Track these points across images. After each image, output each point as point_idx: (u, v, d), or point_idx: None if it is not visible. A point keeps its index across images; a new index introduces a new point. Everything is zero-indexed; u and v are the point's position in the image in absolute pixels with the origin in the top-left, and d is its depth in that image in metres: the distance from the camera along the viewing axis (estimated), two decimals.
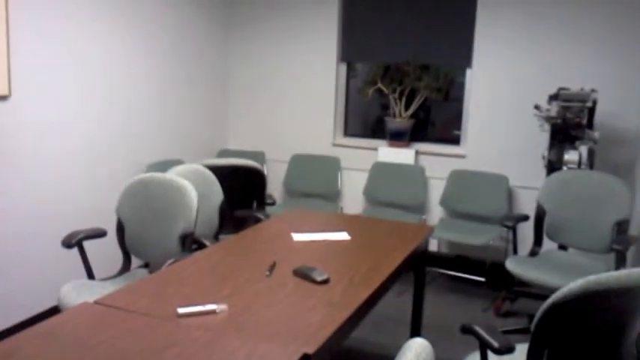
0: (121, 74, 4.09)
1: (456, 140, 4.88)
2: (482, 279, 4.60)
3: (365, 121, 5.39)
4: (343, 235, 2.94)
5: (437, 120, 5.09)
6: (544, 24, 4.35)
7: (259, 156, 5.35)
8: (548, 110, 3.93)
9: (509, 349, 1.86)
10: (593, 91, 3.83)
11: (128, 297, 2.04)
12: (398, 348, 3.48)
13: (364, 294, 2.16)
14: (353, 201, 5.13)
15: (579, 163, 3.77)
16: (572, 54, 4.30)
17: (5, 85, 3.22)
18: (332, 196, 5.14)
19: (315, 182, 5.13)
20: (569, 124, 3.83)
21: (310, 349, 1.70)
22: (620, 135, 4.22)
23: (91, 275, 3.01)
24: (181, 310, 1.90)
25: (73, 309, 1.92)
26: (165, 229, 2.95)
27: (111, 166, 4.06)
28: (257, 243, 2.77)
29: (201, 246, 2.98)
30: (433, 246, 4.89)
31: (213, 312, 1.92)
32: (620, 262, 3.20)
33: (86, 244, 3.01)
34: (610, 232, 3.46)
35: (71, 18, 3.62)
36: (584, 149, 3.79)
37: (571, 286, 1.76)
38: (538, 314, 1.85)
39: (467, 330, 2.00)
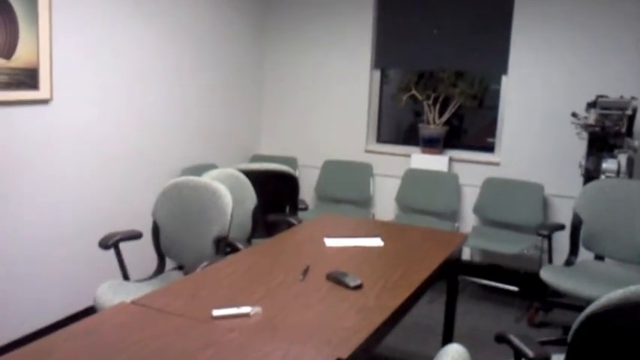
0: (159, 80, 4.16)
1: (489, 148, 4.83)
2: (516, 288, 4.54)
3: (398, 127, 5.37)
4: (376, 241, 2.93)
5: (470, 127, 5.05)
6: (580, 31, 4.29)
7: (292, 161, 5.37)
8: (586, 118, 3.87)
9: (545, 359, 1.84)
10: (633, 98, 3.76)
11: (164, 298, 2.07)
12: (429, 356, 3.47)
13: (397, 300, 2.15)
14: (385, 207, 5.12)
15: (618, 172, 3.70)
16: (609, 62, 4.23)
17: (47, 89, 3.30)
18: (364, 202, 5.13)
19: (347, 188, 5.13)
20: (607, 132, 3.76)
21: (344, 354, 1.70)
22: None
23: (126, 276, 3.06)
24: (216, 312, 1.92)
25: (110, 309, 1.96)
26: (199, 233, 2.98)
27: (147, 170, 4.13)
28: (290, 247, 2.79)
29: (234, 249, 3.01)
30: (466, 254, 4.84)
31: (247, 315, 1.93)
32: None
33: (122, 245, 3.06)
34: None
35: (114, 23, 3.70)
36: (623, 158, 3.72)
37: (610, 296, 1.73)
38: (575, 325, 1.82)
39: (501, 339, 1.98)
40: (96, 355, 1.64)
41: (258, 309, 1.97)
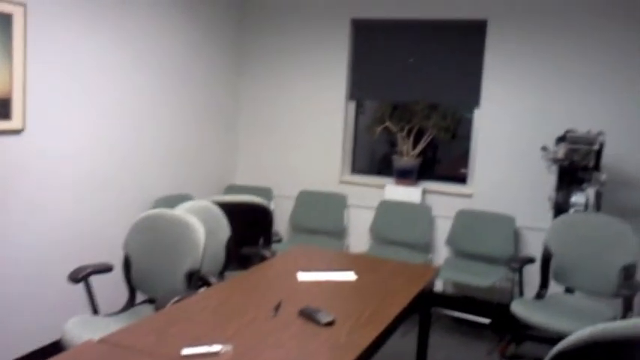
0: (132, 109, 4.15)
1: (462, 179, 4.90)
2: (488, 320, 4.56)
3: (372, 157, 5.42)
4: (349, 275, 2.94)
5: (444, 157, 5.11)
6: (551, 67, 4.40)
7: (266, 191, 5.37)
8: (555, 152, 3.95)
9: None
10: (599, 133, 3.85)
11: (133, 335, 2.04)
12: None
13: (369, 337, 2.15)
14: (359, 238, 5.13)
15: (586, 206, 3.77)
16: (578, 97, 4.34)
17: (20, 119, 3.27)
18: (338, 233, 5.14)
19: (321, 219, 5.14)
20: (576, 167, 3.84)
21: None
22: (628, 177, 4.22)
23: (96, 310, 3.01)
24: (185, 351, 1.90)
25: (76, 348, 1.92)
26: (171, 266, 2.96)
27: (120, 201, 4.09)
28: (263, 281, 2.77)
29: (206, 283, 2.98)
30: (439, 286, 4.86)
31: (216, 354, 1.91)
32: (628, 308, 3.17)
33: (93, 277, 3.02)
34: (617, 277, 3.44)
35: (88, 54, 3.69)
36: (591, 192, 3.80)
37: (579, 334, 1.75)
38: None
39: None
40: None
41: (228, 347, 1.95)
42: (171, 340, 2.01)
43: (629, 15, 4.17)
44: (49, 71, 3.45)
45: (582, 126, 4.33)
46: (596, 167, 3.86)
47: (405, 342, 4.13)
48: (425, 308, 3.23)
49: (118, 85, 4.00)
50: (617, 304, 3.37)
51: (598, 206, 3.82)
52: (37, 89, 3.39)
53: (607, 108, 4.27)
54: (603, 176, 3.81)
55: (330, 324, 2.25)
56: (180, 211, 3.17)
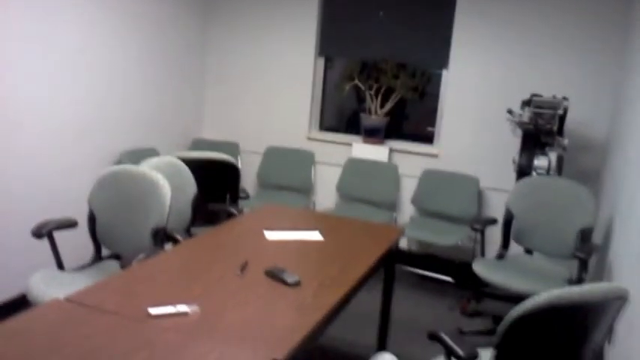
0: (96, 61, 4.04)
1: (429, 139, 4.94)
2: (450, 278, 4.69)
3: (341, 114, 5.41)
4: (316, 235, 2.97)
5: (413, 114, 5.13)
6: (519, 31, 4.41)
7: (234, 147, 5.34)
8: (520, 115, 4.00)
9: (474, 358, 1.92)
10: (564, 99, 3.91)
11: (99, 294, 2.04)
12: (367, 345, 3.55)
13: (334, 297, 2.19)
14: (326, 196, 5.16)
15: (548, 170, 3.86)
16: (545, 61, 4.38)
17: None
18: (305, 190, 5.16)
19: (288, 175, 5.15)
20: (540, 131, 3.90)
21: (279, 355, 1.73)
22: (588, 143, 4.32)
23: (61, 265, 2.99)
24: (153, 311, 1.91)
25: (43, 307, 1.92)
26: (137, 223, 2.94)
27: (84, 153, 4.02)
28: (229, 240, 2.79)
29: (173, 240, 2.98)
30: (403, 243, 4.96)
31: (184, 313, 1.93)
32: (583, 269, 3.29)
33: (57, 232, 2.99)
34: (574, 239, 3.56)
35: (50, 7, 3.56)
36: (553, 156, 3.87)
37: (535, 299, 1.82)
38: (502, 327, 1.90)
39: (433, 337, 2.05)
40: (25, 356, 1.61)
41: (195, 307, 1.97)
42: (138, 299, 2.02)
43: None
44: (13, 24, 3.32)
45: (548, 91, 4.38)
46: (560, 132, 3.93)
47: (370, 297, 4.22)
48: (389, 265, 3.30)
49: (79, 37, 3.88)
50: (574, 265, 3.49)
51: (559, 170, 3.91)
52: (5, 36, 3.27)
53: (572, 74, 4.32)
54: (566, 141, 3.88)
55: (296, 284, 2.28)
56: (146, 167, 3.14)
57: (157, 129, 4.83)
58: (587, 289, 1.80)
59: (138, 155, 4.36)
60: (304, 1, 5.04)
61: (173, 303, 2.00)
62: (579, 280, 3.32)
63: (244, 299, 2.11)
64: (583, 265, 3.29)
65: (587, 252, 3.26)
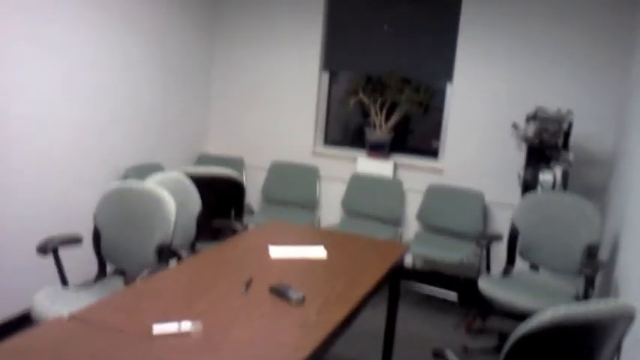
0: (102, 76, 4.07)
1: (434, 153, 4.94)
2: (455, 295, 4.66)
3: (346, 128, 5.42)
4: (320, 251, 2.96)
5: (417, 128, 5.13)
6: (524, 45, 4.42)
7: (239, 162, 5.35)
8: (525, 130, 4.00)
9: None
10: (569, 113, 3.91)
11: (103, 311, 2.04)
12: None
13: (339, 315, 2.18)
14: (331, 211, 5.16)
15: (554, 184, 3.85)
16: (549, 75, 4.38)
17: None
18: (310, 205, 5.16)
19: (293, 191, 5.15)
20: (545, 145, 3.90)
21: None
22: (594, 158, 4.31)
23: (65, 282, 2.99)
24: (157, 328, 1.91)
25: (47, 324, 1.91)
26: (142, 240, 2.94)
27: (90, 170, 4.03)
28: (234, 257, 2.78)
29: (177, 256, 2.98)
30: (408, 260, 4.94)
31: (188, 330, 1.93)
32: (589, 286, 3.27)
33: (61, 247, 2.99)
34: (580, 256, 3.54)
35: (51, 20, 3.59)
36: (558, 170, 3.87)
37: (540, 317, 1.80)
38: (506, 345, 1.89)
39: (439, 355, 2.04)
40: None
41: (199, 325, 1.96)
42: (142, 316, 2.02)
43: None
44: (13, 38, 3.35)
45: (552, 104, 4.38)
46: (565, 146, 3.92)
47: (374, 314, 4.20)
48: (394, 282, 3.28)
49: (86, 52, 3.91)
50: (580, 281, 3.47)
51: (565, 185, 3.90)
52: (8, 51, 3.30)
53: (576, 88, 4.32)
54: (571, 156, 3.87)
55: (300, 301, 2.28)
56: (151, 183, 3.15)
57: (162, 145, 4.85)
58: (593, 307, 1.78)
59: (143, 171, 4.37)
60: (309, 16, 5.07)
61: (177, 320, 1.99)
62: (586, 297, 3.30)
63: (248, 316, 2.10)
64: (589, 281, 3.26)
65: (593, 268, 3.24)
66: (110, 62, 4.12)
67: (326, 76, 5.20)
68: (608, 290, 3.49)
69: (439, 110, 4.88)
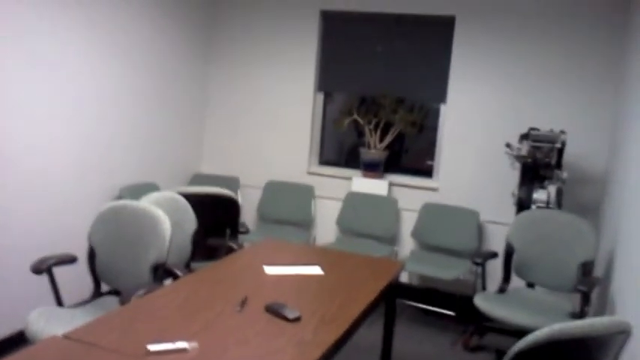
0: (96, 96, 4.08)
1: (428, 172, 4.95)
2: (452, 312, 4.65)
3: (340, 148, 5.44)
4: (316, 270, 2.96)
5: (412, 148, 5.15)
6: (516, 65, 4.47)
7: (234, 181, 5.35)
8: (519, 149, 4.03)
9: None
10: (562, 132, 3.94)
11: (97, 331, 2.03)
12: None
13: (335, 334, 2.18)
14: (326, 230, 5.16)
15: (548, 203, 3.86)
16: (542, 95, 4.42)
17: None
18: (305, 224, 5.16)
19: (288, 210, 5.15)
20: (538, 164, 3.92)
21: None
22: (587, 176, 4.34)
23: (60, 302, 2.97)
24: (152, 348, 1.90)
25: (41, 344, 1.90)
26: (136, 259, 2.94)
27: (85, 189, 4.03)
28: (229, 275, 2.78)
29: (173, 275, 2.97)
30: (404, 277, 4.93)
31: (184, 350, 1.92)
32: (585, 303, 3.27)
33: (56, 267, 2.98)
34: (575, 273, 3.54)
35: (45, 41, 3.61)
36: (552, 189, 3.89)
37: (536, 334, 1.80)
38: None
39: None
40: None
41: (194, 344, 1.95)
42: (137, 336, 2.01)
43: (593, 16, 4.25)
44: (8, 60, 3.37)
45: (545, 124, 4.41)
46: (558, 165, 3.95)
47: (370, 332, 4.18)
48: (390, 300, 3.28)
49: (81, 73, 3.93)
50: (576, 298, 3.47)
51: (559, 203, 3.92)
52: (2, 70, 3.31)
53: (569, 107, 4.36)
54: (564, 174, 3.90)
55: (296, 320, 2.27)
56: (146, 202, 3.15)
57: (157, 164, 4.85)
58: (589, 323, 1.79)
59: (138, 190, 4.37)
60: (303, 37, 5.11)
61: (172, 340, 1.99)
62: (582, 314, 3.30)
63: (244, 335, 2.09)
64: (585, 298, 3.27)
65: (589, 285, 3.25)
66: (106, 84, 4.14)
67: (320, 97, 5.24)
68: (604, 307, 3.49)
69: (433, 129, 4.91)
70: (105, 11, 4.03)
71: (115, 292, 3.16)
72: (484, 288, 3.89)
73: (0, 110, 3.33)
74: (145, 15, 4.45)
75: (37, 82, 3.57)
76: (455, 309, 4.69)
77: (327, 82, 5.17)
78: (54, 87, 3.69)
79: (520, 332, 3.09)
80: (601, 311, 3.56)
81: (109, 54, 4.13)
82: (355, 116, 5.03)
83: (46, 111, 3.66)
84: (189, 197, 3.62)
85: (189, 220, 3.52)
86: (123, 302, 2.64)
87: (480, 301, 3.51)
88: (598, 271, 3.83)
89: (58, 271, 3.06)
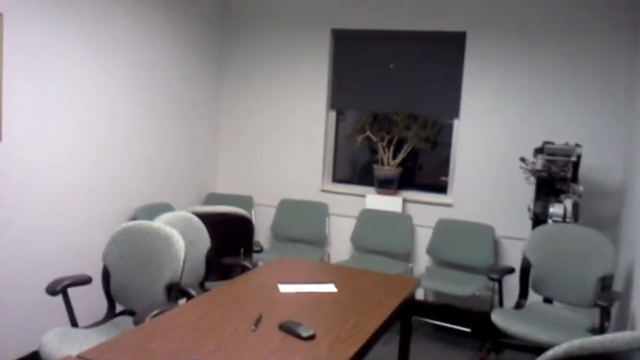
0: (110, 118, 4.12)
1: (443, 188, 4.93)
2: (468, 329, 4.59)
3: (353, 165, 5.44)
4: (330, 287, 2.94)
5: (425, 164, 5.14)
6: (529, 79, 4.46)
7: (247, 200, 5.36)
8: (533, 163, 4.00)
9: None
10: (577, 145, 3.90)
11: (112, 352, 2.02)
12: None
13: (350, 352, 2.15)
14: (340, 247, 5.14)
15: (564, 217, 3.82)
16: (557, 108, 4.40)
17: None
18: (319, 242, 5.15)
19: (302, 228, 5.14)
20: (554, 178, 3.89)
21: None
22: (604, 189, 4.29)
23: (74, 322, 2.97)
24: None
25: None
26: (151, 279, 2.94)
27: (99, 210, 4.05)
28: (243, 294, 2.77)
29: (187, 295, 2.97)
30: (420, 294, 4.89)
31: None
32: (605, 318, 3.21)
33: (71, 288, 2.99)
34: (594, 287, 3.49)
35: (69, 61, 3.66)
36: (568, 203, 3.84)
37: (555, 350, 1.77)
38: None
39: None
40: None
41: None
42: (151, 357, 2.00)
43: (606, 29, 4.23)
44: (26, 80, 3.42)
45: (560, 138, 4.38)
46: (574, 179, 3.91)
47: (386, 350, 4.14)
48: (406, 317, 3.24)
49: (96, 94, 3.97)
50: (595, 313, 3.42)
51: (575, 217, 3.87)
52: (14, 99, 3.35)
53: (584, 120, 4.33)
54: (580, 188, 3.86)
55: (310, 338, 2.25)
56: (160, 222, 3.15)
57: (171, 184, 4.87)
58: (609, 338, 1.75)
59: (153, 210, 4.39)
60: (315, 56, 5.14)
61: (187, 359, 1.97)
62: (602, 329, 3.24)
63: (258, 355, 2.08)
64: (605, 313, 3.21)
65: (608, 300, 3.19)
66: (119, 105, 4.18)
67: (333, 115, 5.25)
68: (624, 322, 3.43)
69: (447, 145, 4.90)
70: (120, 34, 4.08)
71: (129, 313, 3.16)
72: (501, 304, 3.84)
73: (17, 135, 3.37)
74: (157, 38, 4.50)
75: (49, 104, 3.61)
76: (471, 325, 4.63)
77: (339, 99, 5.19)
78: (68, 109, 3.73)
79: (538, 349, 3.04)
80: (621, 327, 3.50)
81: (123, 76, 4.18)
82: (368, 133, 5.03)
83: (61, 132, 3.69)
84: (203, 217, 3.63)
85: (204, 240, 3.52)
86: (137, 322, 2.64)
87: (497, 318, 3.46)
88: (617, 286, 3.77)
89: (73, 292, 3.06)
